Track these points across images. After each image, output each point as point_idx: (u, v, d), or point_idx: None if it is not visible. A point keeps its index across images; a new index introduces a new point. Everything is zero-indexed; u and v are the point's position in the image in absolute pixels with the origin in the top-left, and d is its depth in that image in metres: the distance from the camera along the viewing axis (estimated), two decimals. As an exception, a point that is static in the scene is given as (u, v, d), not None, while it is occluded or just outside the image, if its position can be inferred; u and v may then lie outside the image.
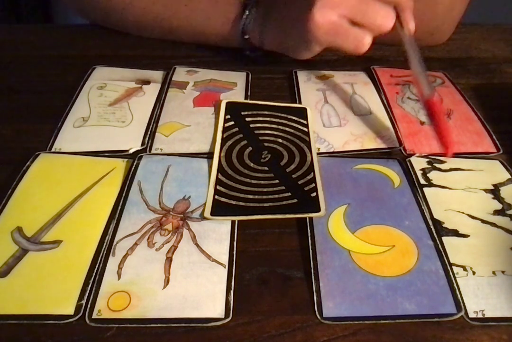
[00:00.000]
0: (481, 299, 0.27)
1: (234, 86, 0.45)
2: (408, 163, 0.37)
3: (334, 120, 0.41)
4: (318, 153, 0.37)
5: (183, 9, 0.47)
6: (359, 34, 0.37)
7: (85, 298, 0.27)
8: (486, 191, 0.34)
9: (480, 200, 0.34)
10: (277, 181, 0.34)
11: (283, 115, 0.41)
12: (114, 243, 0.30)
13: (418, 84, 0.38)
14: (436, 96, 0.38)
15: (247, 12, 0.44)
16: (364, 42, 0.38)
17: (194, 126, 0.40)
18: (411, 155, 0.38)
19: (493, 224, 0.32)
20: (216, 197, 0.33)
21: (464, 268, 0.29)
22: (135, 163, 0.35)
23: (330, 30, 0.37)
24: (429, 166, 0.36)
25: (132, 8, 0.49)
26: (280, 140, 0.38)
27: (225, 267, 0.29)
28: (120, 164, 0.35)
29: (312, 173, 0.35)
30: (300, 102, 0.43)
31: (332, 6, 0.37)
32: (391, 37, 0.52)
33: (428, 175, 0.35)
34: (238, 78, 0.46)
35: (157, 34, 0.51)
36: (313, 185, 0.34)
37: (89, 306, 0.26)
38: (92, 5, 0.51)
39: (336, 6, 0.37)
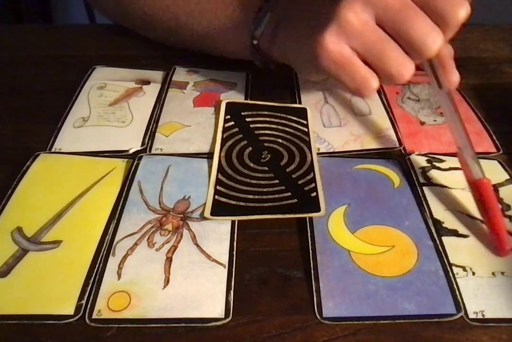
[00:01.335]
0: (481, 300, 0.27)
1: (234, 86, 0.45)
2: (407, 161, 0.37)
3: (334, 120, 0.41)
4: (318, 153, 0.37)
5: (193, 6, 0.46)
6: (367, 76, 0.31)
7: (85, 298, 0.27)
8: (486, 191, 0.34)
9: (479, 200, 0.33)
10: (277, 181, 0.34)
11: (283, 115, 0.41)
12: (114, 243, 0.30)
13: (464, 164, 0.32)
14: (487, 179, 0.31)
15: (259, 15, 0.41)
16: (369, 86, 0.32)
17: (194, 126, 0.40)
18: (411, 154, 0.38)
19: (492, 225, 0.32)
20: (216, 197, 0.33)
21: (464, 268, 0.29)
22: (135, 164, 0.35)
23: (338, 62, 0.31)
24: (429, 165, 0.36)
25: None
26: (280, 140, 0.38)
27: (225, 267, 0.29)
28: (120, 165, 0.35)
29: (312, 173, 0.35)
30: (300, 102, 0.43)
31: (347, 35, 0.31)
32: None
33: (427, 173, 0.35)
34: (238, 78, 0.46)
35: (162, 32, 0.49)
36: (313, 184, 0.34)
37: (89, 306, 0.26)
38: None
39: (351, 36, 0.31)
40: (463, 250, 0.30)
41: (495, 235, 0.30)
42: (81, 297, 0.27)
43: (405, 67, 0.31)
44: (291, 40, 0.39)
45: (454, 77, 0.34)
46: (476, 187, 0.31)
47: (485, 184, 0.31)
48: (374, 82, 0.32)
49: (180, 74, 0.46)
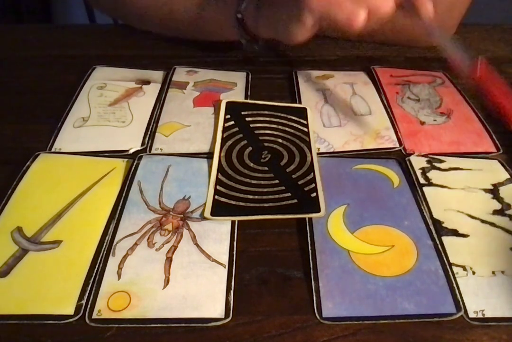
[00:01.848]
0: (481, 299, 0.27)
1: (234, 86, 0.45)
2: (407, 162, 0.37)
3: (334, 120, 0.41)
4: (318, 154, 0.37)
5: None
6: (353, 7, 0.35)
7: (85, 298, 0.27)
8: (486, 190, 0.34)
9: (479, 200, 0.34)
10: (277, 181, 0.34)
11: (283, 115, 0.41)
12: (114, 243, 0.30)
13: (455, 63, 0.36)
14: (479, 67, 0.34)
15: None
16: (358, 16, 0.35)
17: (194, 126, 0.40)
18: (411, 155, 0.38)
19: (492, 224, 0.32)
20: (216, 197, 0.33)
21: (464, 268, 0.29)
22: (135, 163, 0.35)
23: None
24: (429, 165, 0.36)
25: None
26: (280, 140, 0.38)
27: (225, 267, 0.29)
28: (120, 164, 0.35)
29: (312, 173, 0.35)
30: (300, 102, 0.43)
31: None
32: (392, 36, 0.52)
33: (427, 174, 0.35)
34: (238, 78, 0.46)
35: (157, 21, 0.50)
36: (313, 185, 0.34)
37: (89, 306, 0.26)
38: None
39: None
40: (463, 249, 0.30)
41: (506, 116, 0.33)
42: (81, 297, 0.27)
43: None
44: (275, 6, 0.41)
45: (428, 7, 0.38)
46: (472, 81, 0.35)
47: (477, 75, 0.35)
48: (361, 13, 0.35)
49: (180, 74, 0.46)
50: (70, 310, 0.26)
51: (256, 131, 0.39)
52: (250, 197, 0.33)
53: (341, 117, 0.42)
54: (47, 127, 0.39)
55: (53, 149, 0.37)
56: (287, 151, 0.37)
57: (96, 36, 0.54)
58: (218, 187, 0.33)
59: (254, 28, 0.45)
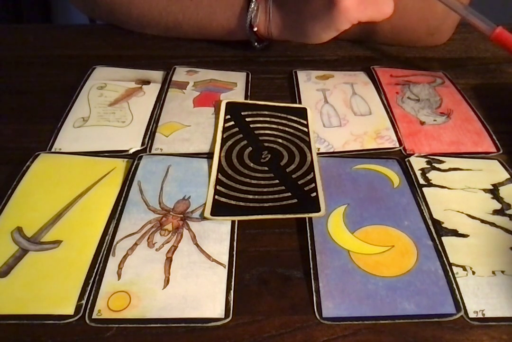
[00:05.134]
0: (481, 299, 0.27)
1: (234, 86, 0.45)
2: (407, 163, 0.37)
3: (334, 120, 0.41)
4: (318, 154, 0.37)
5: (188, 3, 0.48)
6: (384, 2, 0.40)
7: (85, 298, 0.27)
8: (485, 190, 0.34)
9: (479, 200, 0.34)
10: (277, 181, 0.34)
11: (283, 115, 0.41)
12: (114, 243, 0.30)
13: (475, 27, 0.42)
14: (497, 30, 0.41)
15: (252, 5, 0.45)
16: (389, 5, 0.40)
17: (194, 126, 0.40)
18: (411, 155, 0.38)
19: (492, 224, 0.32)
20: (216, 197, 0.33)
21: (464, 268, 0.29)
22: (135, 164, 0.35)
23: (360, 7, 0.39)
24: (428, 166, 0.36)
25: (138, 2, 0.49)
26: (280, 140, 0.38)
27: (225, 267, 0.29)
28: (120, 164, 0.35)
29: (312, 173, 0.35)
30: (300, 102, 0.43)
31: None
32: (392, 37, 0.52)
33: (427, 174, 0.35)
34: (238, 78, 0.46)
35: (161, 29, 0.51)
36: (313, 185, 0.34)
37: (89, 306, 0.26)
38: (97, 1, 0.51)
39: None
40: (463, 249, 0.30)
41: None
42: (81, 297, 0.27)
43: None
44: (291, 14, 0.44)
45: None
46: (494, 42, 0.42)
47: (499, 36, 0.41)
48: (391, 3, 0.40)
49: (180, 74, 0.46)
50: (70, 310, 0.26)
51: (256, 132, 0.39)
52: (250, 196, 0.33)
53: (341, 117, 0.42)
54: (47, 127, 0.39)
55: (53, 149, 0.37)
56: (287, 151, 0.37)
57: (96, 36, 0.54)
58: (218, 187, 0.33)
59: (267, 34, 0.46)
